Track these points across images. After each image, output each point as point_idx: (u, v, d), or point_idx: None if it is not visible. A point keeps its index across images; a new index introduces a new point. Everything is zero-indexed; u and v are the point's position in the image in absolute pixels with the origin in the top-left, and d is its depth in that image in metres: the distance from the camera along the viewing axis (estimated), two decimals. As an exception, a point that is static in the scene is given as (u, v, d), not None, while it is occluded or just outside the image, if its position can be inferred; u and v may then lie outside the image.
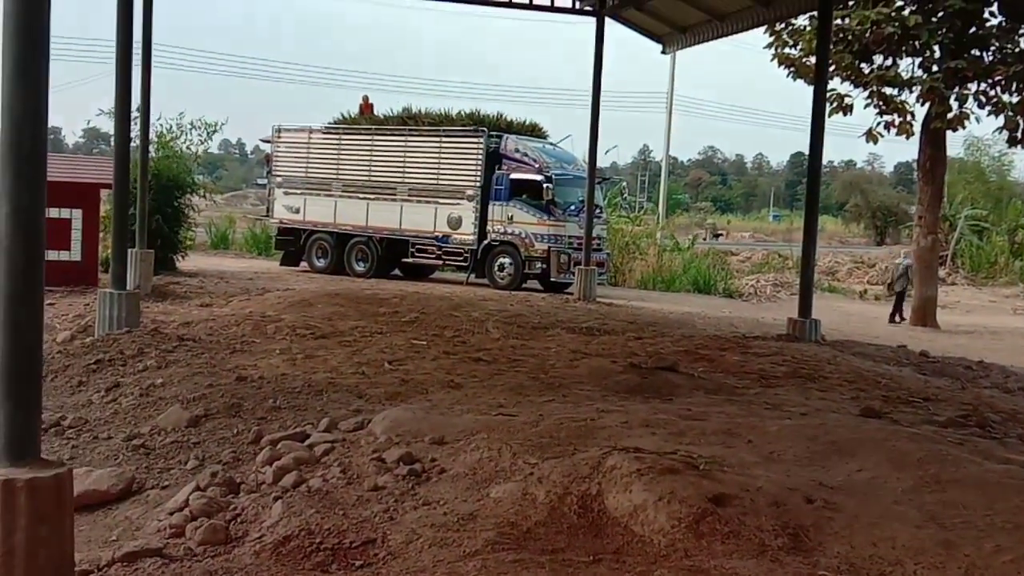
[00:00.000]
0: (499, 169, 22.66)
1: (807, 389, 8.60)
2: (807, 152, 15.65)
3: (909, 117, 20.66)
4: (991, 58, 19.84)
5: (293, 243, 25.57)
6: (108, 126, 19.18)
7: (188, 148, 21.68)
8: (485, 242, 22.61)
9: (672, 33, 19.73)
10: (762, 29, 20.10)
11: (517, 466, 5.00)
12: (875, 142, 21.25)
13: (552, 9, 19.55)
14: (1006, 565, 3.63)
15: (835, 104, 20.44)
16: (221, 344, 9.44)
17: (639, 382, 8.04)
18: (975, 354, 14.00)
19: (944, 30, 19.43)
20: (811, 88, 15.22)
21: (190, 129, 21.63)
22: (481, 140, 22.62)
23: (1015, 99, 19.68)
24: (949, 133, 20.89)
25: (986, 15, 19.87)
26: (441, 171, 23.08)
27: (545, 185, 21.98)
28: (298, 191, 25.45)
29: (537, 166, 22.48)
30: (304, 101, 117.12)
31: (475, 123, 23.62)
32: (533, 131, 24.93)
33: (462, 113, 24.70)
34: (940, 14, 19.39)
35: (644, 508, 4.24)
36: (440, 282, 23.11)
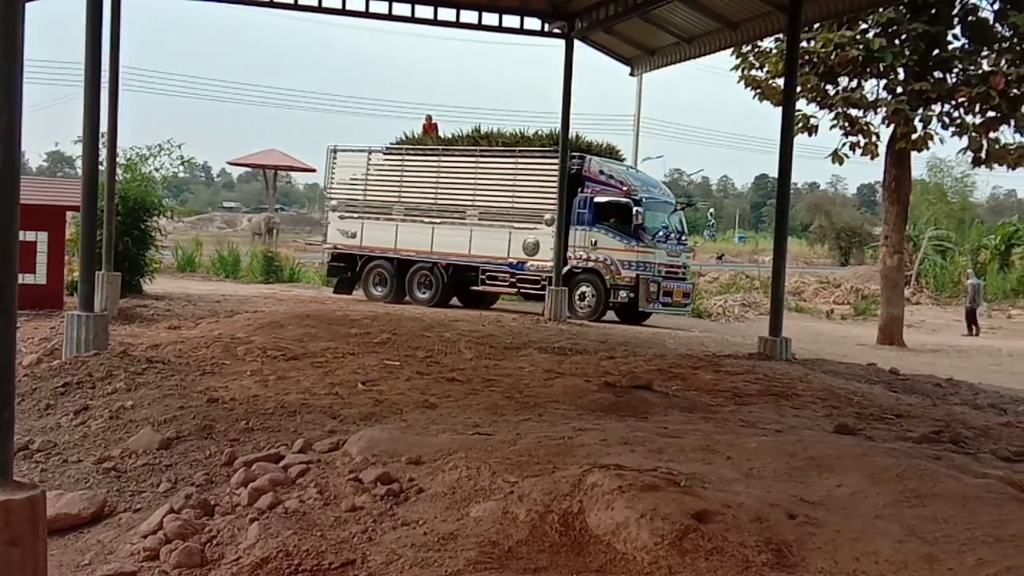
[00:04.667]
0: (582, 192, 21.49)
1: (781, 406, 8.63)
2: (772, 174, 15.84)
3: (874, 138, 20.93)
4: (954, 80, 20.18)
5: (348, 270, 24.39)
6: (72, 149, 18.98)
7: (156, 171, 21.37)
8: (565, 269, 20.98)
9: (640, 55, 19.91)
10: (729, 51, 20.31)
11: (496, 485, 4.96)
12: (840, 163, 21.50)
13: (521, 32, 19.62)
14: (988, 578, 3.64)
15: (801, 125, 20.65)
16: (191, 366, 9.33)
17: (614, 401, 8.02)
18: (943, 372, 14.12)
19: (908, 52, 19.74)
20: (777, 110, 15.38)
21: (158, 152, 21.34)
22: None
23: (978, 120, 20.02)
24: (913, 154, 21.18)
25: (949, 38, 20.22)
26: (517, 194, 21.94)
27: (635, 209, 20.94)
28: (355, 215, 24.26)
29: (625, 189, 21.45)
30: (271, 124, 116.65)
31: (554, 143, 22.08)
32: (611, 153, 23.97)
33: (539, 133, 23.47)
34: (904, 37, 19.72)
35: (626, 525, 4.21)
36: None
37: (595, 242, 21.29)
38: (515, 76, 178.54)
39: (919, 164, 38.90)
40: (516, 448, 5.67)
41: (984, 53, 20.20)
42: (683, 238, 22.76)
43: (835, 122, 20.95)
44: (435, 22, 18.90)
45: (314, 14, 18.30)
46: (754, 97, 21.58)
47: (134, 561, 4.53)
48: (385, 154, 24.90)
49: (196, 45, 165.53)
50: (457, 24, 19.08)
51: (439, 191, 23.20)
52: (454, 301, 23.04)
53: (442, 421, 6.95)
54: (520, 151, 22.43)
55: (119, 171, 18.08)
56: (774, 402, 8.85)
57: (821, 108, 21.11)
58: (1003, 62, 19.76)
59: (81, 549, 5.01)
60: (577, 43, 19.55)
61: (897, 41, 19.80)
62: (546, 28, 19.70)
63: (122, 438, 6.70)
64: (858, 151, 21.05)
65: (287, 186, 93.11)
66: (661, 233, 21.52)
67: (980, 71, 19.96)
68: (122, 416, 7.23)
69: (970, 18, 20.05)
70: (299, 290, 26.55)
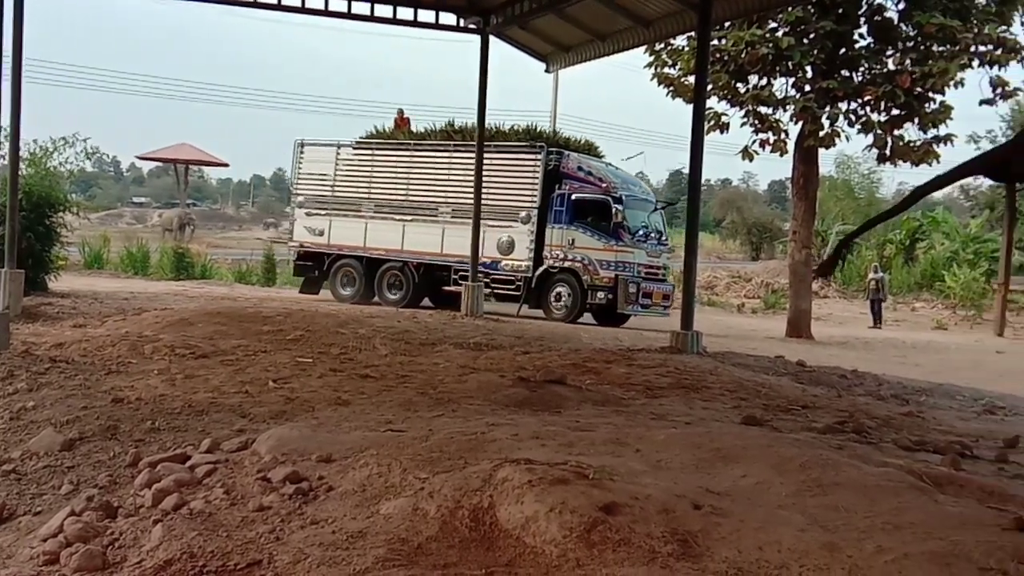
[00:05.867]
0: (559, 189, 20.90)
1: (691, 399, 8.78)
2: (686, 170, 16.02)
3: (783, 135, 21.38)
4: (860, 78, 20.74)
5: (315, 269, 23.53)
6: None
7: (62, 166, 20.69)
8: (541, 269, 20.73)
9: (556, 52, 19.99)
10: (643, 49, 20.54)
11: (407, 481, 4.94)
12: (751, 160, 21.91)
13: (437, 27, 19.55)
14: (887, 565, 3.73)
15: (712, 122, 21.00)
16: (96, 365, 9.10)
17: (528, 395, 8.06)
18: (848, 364, 14.51)
19: (816, 51, 20.20)
20: (689, 107, 15.61)
21: (63, 145, 20.65)
22: (540, 157, 20.97)
23: (883, 118, 20.60)
24: (821, 151, 21.71)
25: (856, 37, 20.76)
26: (492, 190, 20.90)
27: (615, 207, 20.39)
28: (323, 212, 23.47)
29: (604, 186, 20.88)
30: (184, 118, 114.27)
31: (531, 138, 21.91)
32: (589, 150, 23.32)
33: (516, 128, 22.88)
34: (812, 36, 20.17)
35: (536, 519, 4.23)
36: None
37: (572, 241, 20.68)
38: (433, 69, 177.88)
39: (827, 161, 39.93)
40: (428, 444, 5.66)
41: (889, 52, 20.80)
42: (663, 238, 22.28)
43: (746, 119, 21.37)
44: (349, 15, 18.73)
45: (220, 5, 17.97)
46: (667, 94, 21.88)
47: (33, 566, 4.41)
48: (354, 149, 24.19)
49: (105, 36, 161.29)
50: (372, 18, 18.92)
51: (410, 187, 22.57)
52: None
53: (354, 418, 6.90)
54: (497, 147, 21.72)
55: (22, 166, 17.50)
56: (684, 395, 8.99)
57: (732, 106, 21.50)
58: (907, 61, 20.37)
59: (-23, 554, 4.85)
60: (493, 39, 19.57)
61: (805, 40, 20.26)
62: (462, 23, 19.65)
63: (23, 440, 6.50)
64: (768, 148, 21.48)
65: (199, 181, 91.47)
66: (641, 232, 21.02)
67: (885, 70, 20.54)
68: (23, 417, 7.03)
69: (876, 18, 20.62)
70: (211, 287, 26.06)
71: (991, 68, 20.39)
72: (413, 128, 24.88)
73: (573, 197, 20.82)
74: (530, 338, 14.89)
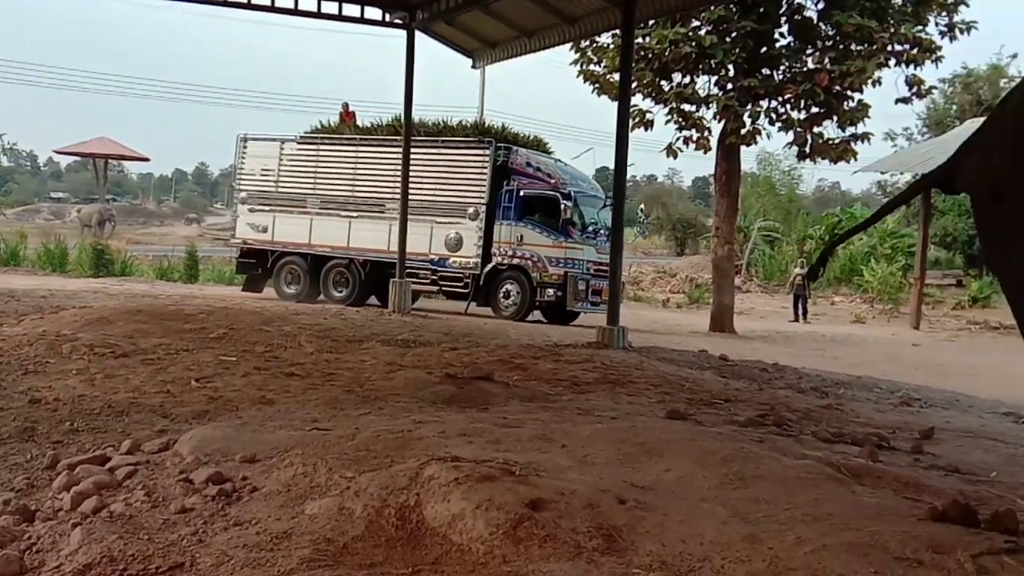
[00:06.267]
0: (508, 185, 20.64)
1: (616, 394, 8.86)
2: (612, 166, 16.16)
3: (706, 133, 21.69)
4: (781, 77, 21.14)
5: (258, 266, 23.02)
6: None
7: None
8: (490, 266, 20.59)
9: (482, 48, 20.00)
10: (568, 46, 20.65)
11: (333, 481, 4.91)
12: (675, 157, 22.17)
13: (362, 21, 19.42)
14: (807, 556, 3.81)
15: (637, 120, 21.20)
16: (12, 365, 8.85)
17: (455, 392, 8.05)
18: (770, 357, 14.77)
19: (737, 50, 20.52)
20: (615, 104, 15.75)
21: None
22: (488, 152, 20.75)
23: (803, 116, 21.02)
24: (743, 148, 22.07)
25: (776, 36, 21.13)
26: (439, 186, 20.90)
27: (563, 203, 20.26)
28: (266, 208, 22.99)
29: (553, 182, 20.75)
30: (101, 111, 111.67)
31: (480, 134, 21.69)
32: (538, 145, 23.13)
33: (463, 123, 22.71)
34: (734, 35, 20.49)
35: (462, 516, 4.24)
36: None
37: (521, 237, 20.59)
38: (351, 63, 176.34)
39: (749, 158, 40.57)
40: (354, 443, 5.62)
41: (809, 51, 21.23)
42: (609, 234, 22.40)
43: (670, 117, 21.62)
44: (272, 8, 18.49)
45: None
46: (592, 92, 22.03)
47: (-55, 574, 4.28)
48: (299, 144, 23.79)
49: (21, 27, 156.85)
50: (296, 11, 18.73)
51: (356, 183, 22.27)
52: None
53: (279, 417, 6.82)
54: (445, 142, 21.58)
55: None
56: (610, 390, 9.07)
57: (656, 103, 21.75)
58: (826, 60, 20.81)
59: None
60: (419, 34, 19.50)
61: (727, 39, 20.57)
62: (387, 18, 19.56)
63: (-67, 444, 6.30)
64: (691, 145, 21.77)
65: (119, 175, 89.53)
66: (590, 229, 20.96)
67: (805, 68, 20.96)
68: (-66, 421, 6.81)
69: (796, 17, 21.03)
70: (131, 284, 25.52)
71: (907, 67, 20.96)
72: (359, 123, 24.56)
73: (522, 193, 20.72)
74: (458, 334, 14.89)
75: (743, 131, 21.00)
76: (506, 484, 4.50)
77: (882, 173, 39.32)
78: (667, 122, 21.70)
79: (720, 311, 22.41)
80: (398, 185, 20.79)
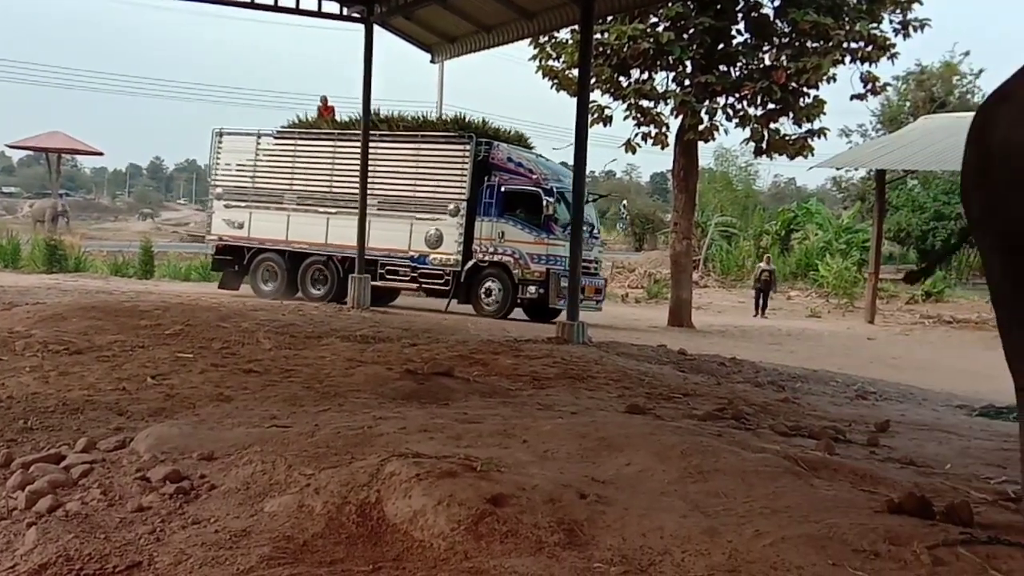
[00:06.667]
0: (489, 180, 20.34)
1: (577, 389, 8.88)
2: (571, 161, 16.20)
3: (664, 128, 21.77)
4: (738, 74, 21.28)
5: (235, 263, 22.56)
6: None
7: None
8: (471, 263, 20.19)
9: (440, 43, 19.96)
10: (527, 41, 20.66)
11: (293, 478, 4.87)
12: (633, 152, 22.28)
13: (319, 15, 19.30)
14: (765, 548, 3.84)
15: (596, 115, 21.24)
16: (-37, 363, 8.70)
17: (416, 388, 8.02)
18: (728, 352, 14.90)
19: (695, 47, 20.63)
20: (574, 100, 15.78)
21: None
22: (469, 147, 20.40)
23: (760, 112, 21.18)
24: (701, 144, 22.20)
25: (733, 33, 21.28)
26: (419, 182, 20.51)
27: (545, 199, 19.84)
28: (243, 204, 22.50)
29: (534, 178, 20.32)
30: (53, 105, 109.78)
31: (460, 128, 21.24)
32: (519, 141, 22.69)
33: (444, 117, 22.25)
34: (691, 31, 20.58)
35: (424, 513, 4.23)
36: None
37: (503, 234, 20.20)
38: (309, 55, 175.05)
39: (707, 154, 40.89)
40: (314, 440, 5.59)
41: (765, 48, 21.39)
42: (594, 231, 22.00)
43: (628, 113, 21.67)
44: (229, 2, 18.33)
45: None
46: (551, 87, 22.06)
47: None
48: (276, 138, 23.36)
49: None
50: (253, 5, 18.54)
51: (335, 179, 21.82)
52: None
53: (237, 414, 6.76)
54: (424, 137, 21.24)
55: None
56: (570, 385, 9.10)
57: (615, 99, 21.78)
58: (783, 57, 20.98)
59: None
60: (378, 28, 19.40)
61: (685, 35, 20.67)
62: (344, 12, 19.44)
63: None
64: (650, 141, 21.86)
65: (73, 170, 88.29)
66: None
67: (762, 65, 21.11)
68: None
69: (753, 14, 21.17)
70: (85, 280, 25.17)
71: (862, 64, 21.18)
72: (337, 117, 24.09)
73: (503, 189, 20.42)
74: (417, 330, 14.85)
75: (701, 127, 21.13)
76: (467, 480, 4.50)
77: (837, 169, 39.83)
78: (625, 118, 21.77)
79: (678, 306, 22.55)
80: (377, 181, 20.61)
